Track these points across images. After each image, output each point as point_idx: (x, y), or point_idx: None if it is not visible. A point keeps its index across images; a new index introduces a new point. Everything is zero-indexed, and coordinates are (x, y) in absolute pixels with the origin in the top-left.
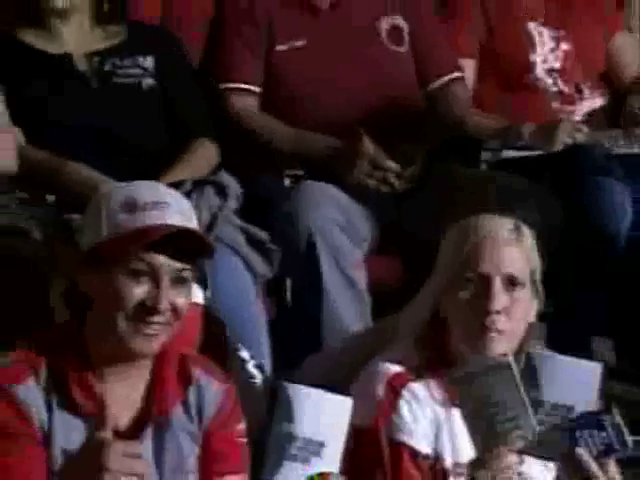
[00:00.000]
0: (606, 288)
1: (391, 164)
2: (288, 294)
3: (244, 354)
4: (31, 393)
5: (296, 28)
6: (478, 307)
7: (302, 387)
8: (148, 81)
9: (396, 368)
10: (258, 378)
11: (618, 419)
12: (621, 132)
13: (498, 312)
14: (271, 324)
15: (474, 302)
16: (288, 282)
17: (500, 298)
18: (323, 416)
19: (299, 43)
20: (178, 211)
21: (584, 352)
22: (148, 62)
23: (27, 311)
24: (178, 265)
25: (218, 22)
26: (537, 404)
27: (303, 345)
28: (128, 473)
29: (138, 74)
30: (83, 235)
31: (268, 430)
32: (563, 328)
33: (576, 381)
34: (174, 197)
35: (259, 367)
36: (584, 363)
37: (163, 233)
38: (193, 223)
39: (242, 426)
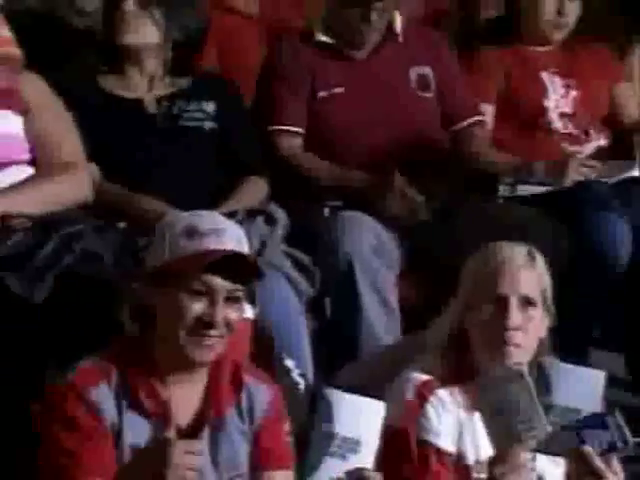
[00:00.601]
0: (606, 307)
1: (418, 196)
2: (328, 310)
3: (289, 363)
4: (103, 395)
5: (336, 77)
6: (497, 324)
7: (341, 392)
8: (209, 123)
9: (424, 376)
10: (301, 384)
11: (620, 420)
12: (620, 162)
13: (515, 328)
14: (313, 337)
15: (493, 319)
16: (328, 300)
17: (516, 316)
18: (359, 417)
19: (338, 90)
20: (233, 238)
21: (583, 362)
22: (210, 107)
23: (100, 324)
24: (232, 286)
25: (267, 71)
26: (548, 408)
27: (341, 355)
28: (189, 467)
29: (201, 117)
30: (149, 258)
31: (310, 430)
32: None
33: (582, 387)
34: (229, 225)
35: (302, 375)
36: (589, 371)
37: (219, 257)
38: (246, 248)
39: (287, 426)
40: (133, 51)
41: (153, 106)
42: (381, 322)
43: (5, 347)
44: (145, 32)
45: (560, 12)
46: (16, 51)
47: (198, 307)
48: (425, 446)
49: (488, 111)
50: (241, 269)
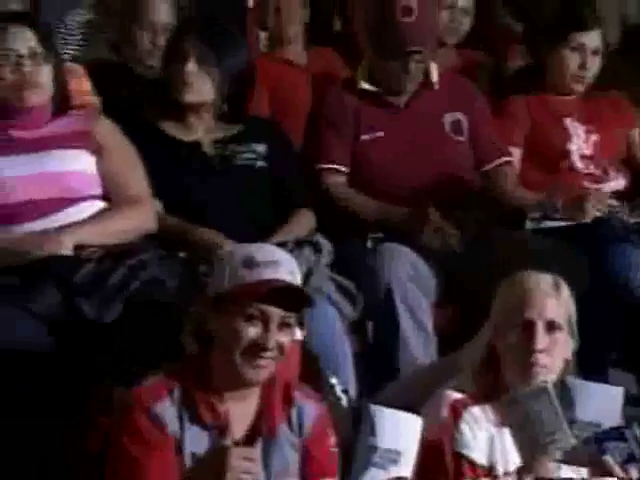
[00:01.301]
0: (623, 332)
1: (451, 230)
2: (370, 333)
3: (334, 381)
4: (167, 409)
5: (377, 121)
6: (525, 347)
7: (382, 407)
8: (260, 163)
9: (458, 395)
10: (344, 400)
11: (638, 433)
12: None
13: (541, 351)
14: (356, 357)
15: (522, 343)
16: (370, 323)
17: (542, 339)
18: (399, 431)
19: (379, 134)
20: (287, 269)
21: (603, 380)
22: (261, 148)
23: (164, 345)
24: (284, 312)
25: (315, 116)
26: (571, 422)
27: (382, 375)
28: (245, 472)
29: (252, 158)
30: (210, 285)
31: (354, 442)
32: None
33: (603, 403)
34: (283, 257)
35: (345, 391)
36: (609, 388)
37: (274, 287)
38: (298, 279)
39: (333, 439)
40: (193, 106)
41: (210, 148)
42: (418, 344)
43: (78, 365)
44: (204, 91)
45: (582, 67)
46: (94, 99)
47: (253, 332)
48: (459, 459)
49: (516, 153)
50: (293, 297)
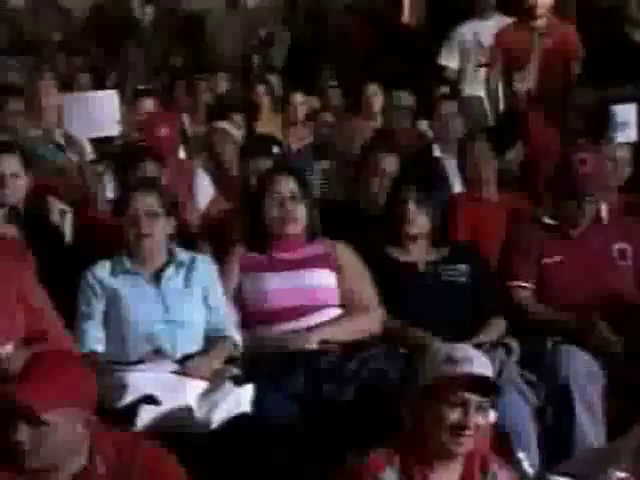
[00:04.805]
0: None
1: (613, 336)
2: (549, 417)
3: (521, 455)
4: (389, 477)
5: (557, 249)
6: None
7: (561, 478)
8: (463, 279)
9: (623, 474)
10: (530, 472)
11: None
12: None
13: None
14: (538, 437)
15: None
16: (549, 409)
17: None
18: None
19: (558, 258)
20: (481, 364)
21: None
22: (464, 268)
23: (386, 423)
24: (480, 399)
25: (508, 243)
26: None
27: (559, 452)
28: None
29: (457, 275)
30: (419, 376)
31: None
32: None
33: None
34: (477, 355)
35: (532, 465)
36: None
37: (470, 379)
38: (489, 372)
39: None
40: (413, 236)
41: (423, 267)
42: (590, 429)
43: (322, 437)
44: (422, 224)
45: None
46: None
47: (455, 415)
48: None
49: None
50: (486, 386)
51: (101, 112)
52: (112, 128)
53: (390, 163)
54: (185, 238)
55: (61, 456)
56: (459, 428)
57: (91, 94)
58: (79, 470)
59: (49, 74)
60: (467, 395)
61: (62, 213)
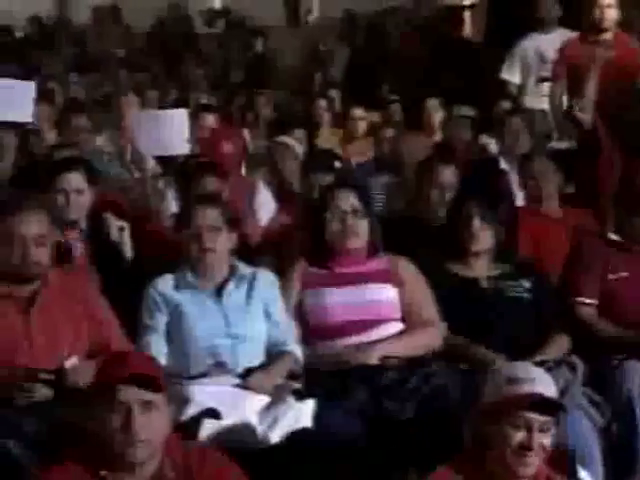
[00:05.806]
0: None
1: None
2: (613, 434)
3: (582, 474)
4: None
5: (621, 265)
6: None
7: None
8: (526, 295)
9: None
10: None
11: None
12: None
13: None
14: (603, 454)
15: None
16: (614, 426)
17: None
18: None
19: (623, 274)
20: (543, 384)
21: None
22: (526, 284)
23: (447, 442)
24: (544, 419)
25: (572, 259)
26: None
27: (625, 470)
28: None
29: (520, 290)
30: (482, 395)
31: None
32: None
33: None
34: (540, 374)
35: None
36: None
37: (534, 400)
38: (552, 391)
39: None
40: (476, 252)
41: (485, 283)
42: None
43: (379, 454)
44: (486, 241)
45: None
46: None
47: (519, 436)
48: None
49: None
50: (549, 406)
51: (171, 130)
52: (182, 147)
53: (448, 175)
54: (246, 253)
55: (154, 448)
56: (524, 449)
57: (162, 112)
58: (155, 472)
59: (130, 91)
60: (531, 415)
61: (120, 229)
